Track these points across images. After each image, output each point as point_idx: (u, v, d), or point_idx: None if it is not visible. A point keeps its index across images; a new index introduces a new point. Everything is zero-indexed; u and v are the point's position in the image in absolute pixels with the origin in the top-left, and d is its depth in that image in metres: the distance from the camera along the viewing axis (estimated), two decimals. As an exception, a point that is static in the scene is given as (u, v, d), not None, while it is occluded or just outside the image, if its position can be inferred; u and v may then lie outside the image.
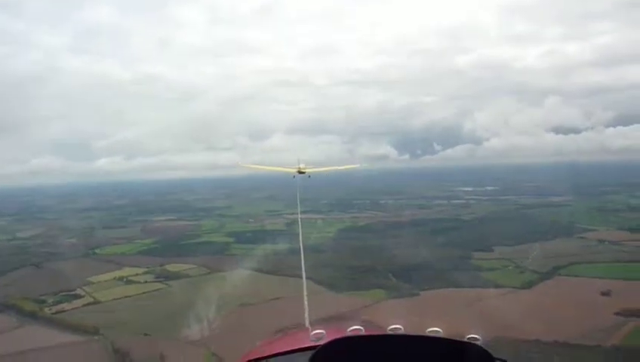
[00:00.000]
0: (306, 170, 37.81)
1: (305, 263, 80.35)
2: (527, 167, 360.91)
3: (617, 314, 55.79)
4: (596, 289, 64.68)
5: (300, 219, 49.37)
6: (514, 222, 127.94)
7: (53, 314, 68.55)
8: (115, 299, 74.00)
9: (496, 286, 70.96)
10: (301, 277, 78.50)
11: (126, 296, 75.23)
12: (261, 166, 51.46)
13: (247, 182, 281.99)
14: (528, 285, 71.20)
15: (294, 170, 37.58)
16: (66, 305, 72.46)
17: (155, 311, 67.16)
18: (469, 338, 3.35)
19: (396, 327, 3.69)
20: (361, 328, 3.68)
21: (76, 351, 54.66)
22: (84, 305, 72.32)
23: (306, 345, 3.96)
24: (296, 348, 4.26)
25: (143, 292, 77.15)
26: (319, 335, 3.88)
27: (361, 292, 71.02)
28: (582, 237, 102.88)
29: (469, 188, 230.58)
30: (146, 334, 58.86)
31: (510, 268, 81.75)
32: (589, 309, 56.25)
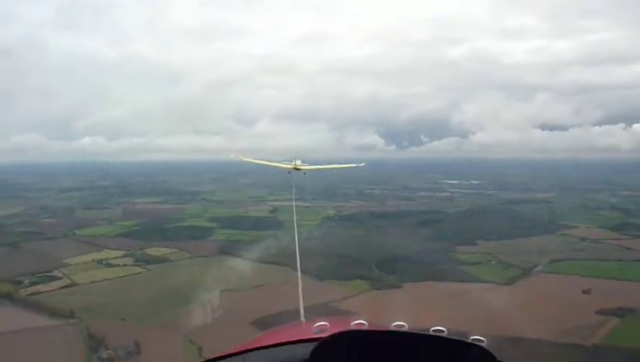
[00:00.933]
0: (302, 168, 36.49)
1: (287, 251, 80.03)
2: (512, 162, 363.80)
3: (598, 312, 56.08)
4: (577, 287, 65.03)
5: (294, 207, 48.29)
6: (498, 216, 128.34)
7: (28, 295, 66.90)
8: (92, 282, 72.48)
9: (479, 280, 71.09)
10: (283, 264, 78.19)
11: (104, 279, 73.79)
12: (256, 160, 50.48)
13: (234, 168, 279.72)
14: (511, 281, 71.30)
15: (290, 167, 36.19)
16: (42, 287, 70.87)
17: (133, 295, 65.89)
18: (473, 339, 3.22)
19: (400, 324, 3.52)
20: (365, 322, 3.60)
21: (50, 334, 53.23)
22: (61, 288, 70.72)
23: (309, 337, 3.89)
24: (298, 339, 4.14)
25: (122, 276, 75.78)
26: (322, 327, 3.86)
27: (344, 282, 70.59)
28: (564, 234, 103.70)
29: (454, 181, 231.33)
30: (122, 319, 57.68)
31: (493, 262, 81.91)
32: (570, 307, 56.44)
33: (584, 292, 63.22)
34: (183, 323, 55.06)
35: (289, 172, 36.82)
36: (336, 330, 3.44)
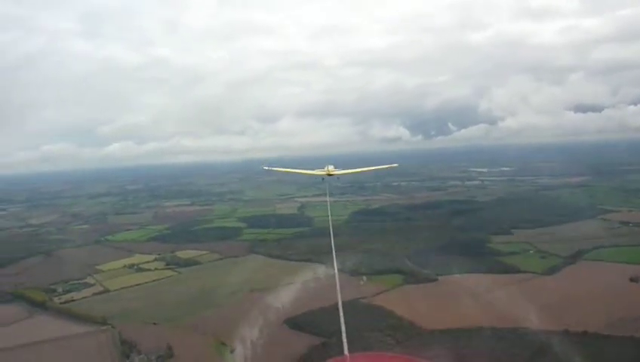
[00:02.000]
0: (335, 173, 35.77)
1: (318, 248, 78.54)
2: (543, 147, 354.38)
3: (649, 301, 52.75)
4: (624, 274, 61.38)
5: (329, 206, 47.03)
6: (532, 203, 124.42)
7: (62, 303, 67.32)
8: (124, 288, 72.56)
9: (518, 271, 68.05)
10: (314, 262, 76.77)
11: (136, 284, 73.77)
12: (288, 169, 49.79)
13: (260, 166, 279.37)
14: (551, 271, 67.98)
15: (323, 173, 35.60)
16: (75, 294, 71.31)
17: (165, 299, 65.60)
18: None
19: None
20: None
21: (83, 342, 53.12)
22: (94, 294, 71.03)
23: None
24: None
25: (153, 280, 75.66)
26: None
27: (378, 276, 68.64)
28: (604, 219, 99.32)
29: (484, 169, 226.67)
30: (154, 323, 57.20)
31: (531, 252, 78.60)
32: (618, 297, 53.17)
33: (632, 280, 59.58)
34: (214, 325, 54.36)
35: (322, 179, 36.27)
36: None
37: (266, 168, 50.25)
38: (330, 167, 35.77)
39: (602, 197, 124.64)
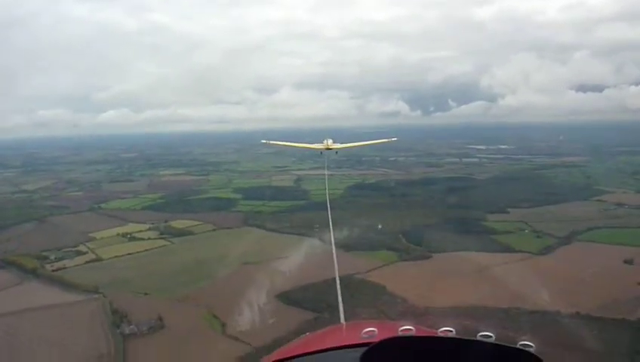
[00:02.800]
0: (334, 147, 35.96)
1: (313, 221, 78.07)
2: (542, 126, 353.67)
3: (642, 284, 52.75)
4: (618, 256, 61.29)
5: (326, 179, 46.69)
6: (529, 182, 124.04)
7: (53, 271, 66.84)
8: (116, 256, 72.11)
9: (512, 250, 67.96)
10: (308, 236, 76.42)
11: (128, 253, 73.27)
12: (286, 143, 49.36)
13: (257, 137, 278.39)
14: (546, 250, 67.90)
15: (322, 147, 35.76)
16: (67, 262, 70.81)
17: (157, 269, 65.24)
18: (521, 344, 3.24)
19: (447, 330, 3.60)
20: (412, 328, 3.62)
21: (74, 310, 52.94)
22: (86, 262, 70.56)
23: (357, 342, 3.94)
24: (347, 344, 4.16)
25: (146, 250, 75.15)
26: (371, 333, 3.92)
27: (371, 252, 68.43)
28: (600, 200, 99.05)
29: (482, 147, 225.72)
30: (146, 293, 56.98)
31: (526, 231, 78.40)
32: (611, 278, 53.12)
33: (626, 262, 59.57)
34: (206, 297, 54.20)
35: (321, 152, 36.29)
36: (384, 336, 3.43)
37: (265, 141, 50.15)
38: (329, 141, 35.60)
39: (598, 178, 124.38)
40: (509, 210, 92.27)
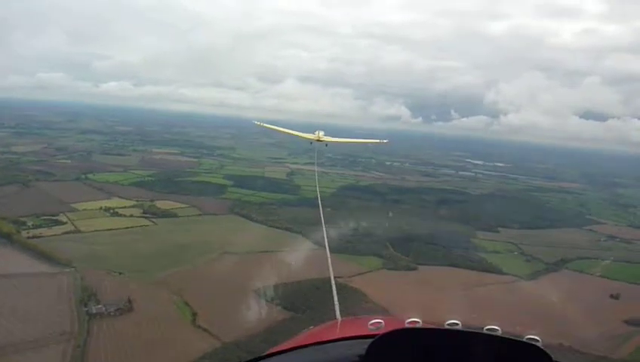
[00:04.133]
0: (324, 139, 35.38)
1: (301, 218, 76.40)
2: (541, 148, 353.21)
3: (627, 322, 51.57)
4: (605, 290, 60.35)
5: (317, 174, 45.58)
6: (522, 203, 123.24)
7: (29, 238, 64.72)
8: (96, 231, 70.13)
9: (499, 271, 66.64)
10: (294, 231, 74.83)
11: (109, 229, 71.36)
12: (279, 128, 48.70)
13: (254, 125, 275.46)
14: (533, 275, 66.70)
15: (313, 137, 35.20)
16: (44, 231, 68.75)
17: (135, 248, 63.37)
18: (528, 338, 3.23)
19: (454, 322, 3.55)
20: (419, 320, 3.63)
21: (43, 281, 50.96)
22: (63, 233, 68.59)
23: (364, 334, 3.96)
24: (353, 335, 4.17)
25: (127, 227, 73.25)
26: (378, 324, 3.94)
27: (356, 257, 66.67)
28: (591, 230, 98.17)
29: (480, 162, 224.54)
30: (120, 273, 55.12)
31: (515, 253, 77.26)
32: (596, 312, 51.81)
33: (612, 296, 58.54)
34: (180, 282, 52.43)
35: (311, 143, 35.70)
36: (390, 328, 3.48)
37: (258, 123, 49.21)
38: (321, 133, 35.10)
39: (592, 207, 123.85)
40: (499, 229, 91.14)
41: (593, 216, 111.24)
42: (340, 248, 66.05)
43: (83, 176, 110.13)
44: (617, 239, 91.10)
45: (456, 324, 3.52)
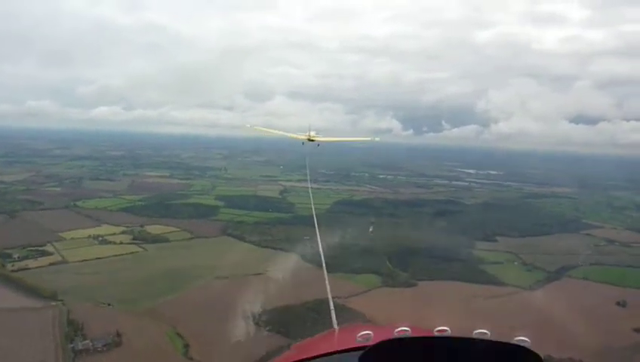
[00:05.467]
0: (316, 139, 35.29)
1: (295, 237, 74.54)
2: (532, 154, 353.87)
3: (637, 330, 49.93)
4: (610, 297, 58.80)
5: (310, 190, 44.97)
6: (518, 210, 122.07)
7: (13, 271, 62.64)
8: (84, 260, 67.91)
9: (501, 283, 64.95)
10: (288, 251, 72.85)
11: (97, 258, 69.12)
12: (270, 129, 48.17)
13: (247, 145, 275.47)
14: (536, 285, 65.11)
15: (304, 137, 35.17)
16: (30, 262, 66.60)
17: (124, 277, 61.23)
18: (517, 340, 3.31)
19: (443, 329, 3.70)
20: (408, 329, 3.61)
21: (27, 317, 48.69)
22: (50, 264, 66.41)
23: (353, 346, 3.97)
24: (343, 348, 4.23)
25: (116, 255, 71.07)
26: (367, 336, 3.90)
27: (354, 275, 64.84)
28: (589, 235, 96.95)
29: (472, 171, 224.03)
30: (108, 304, 52.89)
31: (516, 263, 75.66)
32: (604, 321, 50.20)
33: (618, 304, 57.02)
34: (172, 312, 50.33)
35: (302, 143, 35.49)
36: (379, 339, 3.46)
37: (249, 126, 50.76)
38: (312, 133, 35.00)
39: (587, 211, 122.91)
40: (497, 238, 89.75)
41: (589, 220, 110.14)
42: (336, 266, 64.08)
43: (72, 204, 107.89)
44: (616, 243, 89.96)
45: (445, 330, 3.57)
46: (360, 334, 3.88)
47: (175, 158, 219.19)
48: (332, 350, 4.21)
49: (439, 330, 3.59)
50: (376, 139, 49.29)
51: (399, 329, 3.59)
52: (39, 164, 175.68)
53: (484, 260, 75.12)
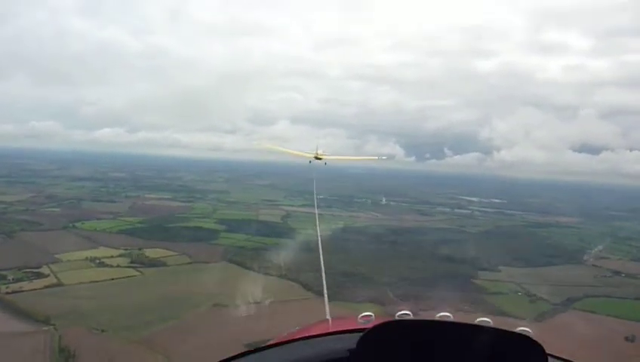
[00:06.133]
0: (323, 157, 35.19)
1: (296, 264, 73.40)
2: (534, 183, 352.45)
3: (648, 368, 48.44)
4: (618, 331, 57.26)
5: (317, 216, 44.46)
6: (521, 240, 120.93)
7: (7, 293, 61.50)
8: (80, 283, 66.77)
9: (504, 314, 63.30)
10: (290, 279, 71.69)
11: (93, 281, 67.95)
12: (277, 148, 48.25)
13: (250, 168, 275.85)
14: (540, 317, 63.56)
15: (311, 156, 35.06)
16: (25, 284, 65.45)
17: (120, 302, 59.90)
18: (520, 330, 3.26)
19: (445, 315, 3.60)
20: (410, 313, 3.61)
21: (17, 342, 47.40)
22: (46, 287, 65.18)
23: (354, 328, 3.93)
24: (343, 329, 4.15)
25: (113, 279, 69.82)
26: (368, 318, 3.91)
27: (354, 304, 63.14)
28: (595, 266, 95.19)
29: (475, 199, 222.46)
30: (102, 330, 51.54)
31: (519, 294, 74.21)
32: (612, 357, 48.77)
33: (627, 339, 55.39)
34: (167, 340, 48.96)
35: (310, 161, 35.18)
36: (381, 321, 3.44)
37: (256, 143, 48.78)
38: (320, 151, 34.79)
39: (592, 242, 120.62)
40: (500, 268, 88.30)
41: (594, 251, 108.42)
42: (337, 295, 63.01)
43: (70, 225, 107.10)
44: (622, 274, 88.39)
45: (448, 316, 3.48)
46: (362, 316, 3.88)
47: (177, 181, 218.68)
48: (333, 330, 4.11)
49: (441, 316, 3.47)
50: (383, 158, 49.01)
51: (400, 312, 3.56)
52: (40, 184, 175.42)
53: (487, 290, 73.69)
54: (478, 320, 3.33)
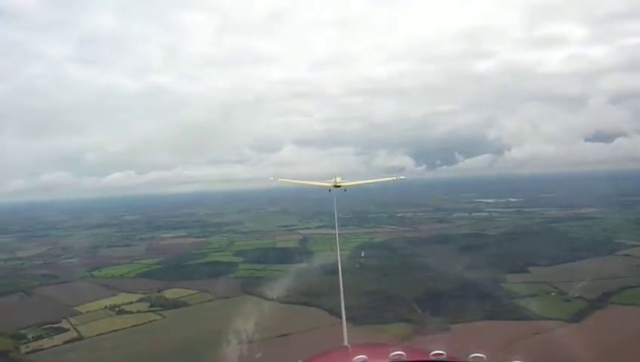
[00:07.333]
0: (342, 184, 35.41)
1: (318, 288, 71.28)
2: (549, 177, 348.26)
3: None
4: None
5: (337, 238, 43.90)
6: (545, 237, 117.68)
7: (28, 352, 60.10)
8: (100, 334, 65.19)
9: (540, 317, 60.53)
10: (313, 306, 69.55)
11: (113, 330, 66.32)
12: (296, 180, 47.50)
13: (261, 196, 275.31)
14: (579, 316, 60.64)
15: (330, 184, 35.14)
16: (45, 342, 64.02)
17: (140, 350, 58.18)
18: (472, 357, 3.46)
19: (439, 353, 3.70)
20: (403, 353, 3.62)
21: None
22: (65, 342, 63.63)
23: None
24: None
25: (133, 325, 68.24)
26: (362, 359, 3.86)
27: (383, 326, 60.95)
28: (626, 255, 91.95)
29: (491, 200, 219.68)
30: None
31: (553, 294, 71.22)
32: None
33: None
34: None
35: (329, 190, 35.28)
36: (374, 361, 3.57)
37: (272, 179, 48.13)
38: (338, 179, 35.31)
39: (618, 231, 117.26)
40: (529, 268, 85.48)
41: (622, 240, 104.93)
42: (362, 318, 60.57)
43: (88, 274, 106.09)
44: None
45: (441, 354, 3.62)
46: (355, 358, 3.84)
47: (191, 217, 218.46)
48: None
49: (435, 354, 3.53)
50: (402, 177, 47.63)
51: (394, 352, 3.63)
52: (55, 236, 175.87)
53: (519, 294, 70.76)
54: (472, 356, 3.30)
